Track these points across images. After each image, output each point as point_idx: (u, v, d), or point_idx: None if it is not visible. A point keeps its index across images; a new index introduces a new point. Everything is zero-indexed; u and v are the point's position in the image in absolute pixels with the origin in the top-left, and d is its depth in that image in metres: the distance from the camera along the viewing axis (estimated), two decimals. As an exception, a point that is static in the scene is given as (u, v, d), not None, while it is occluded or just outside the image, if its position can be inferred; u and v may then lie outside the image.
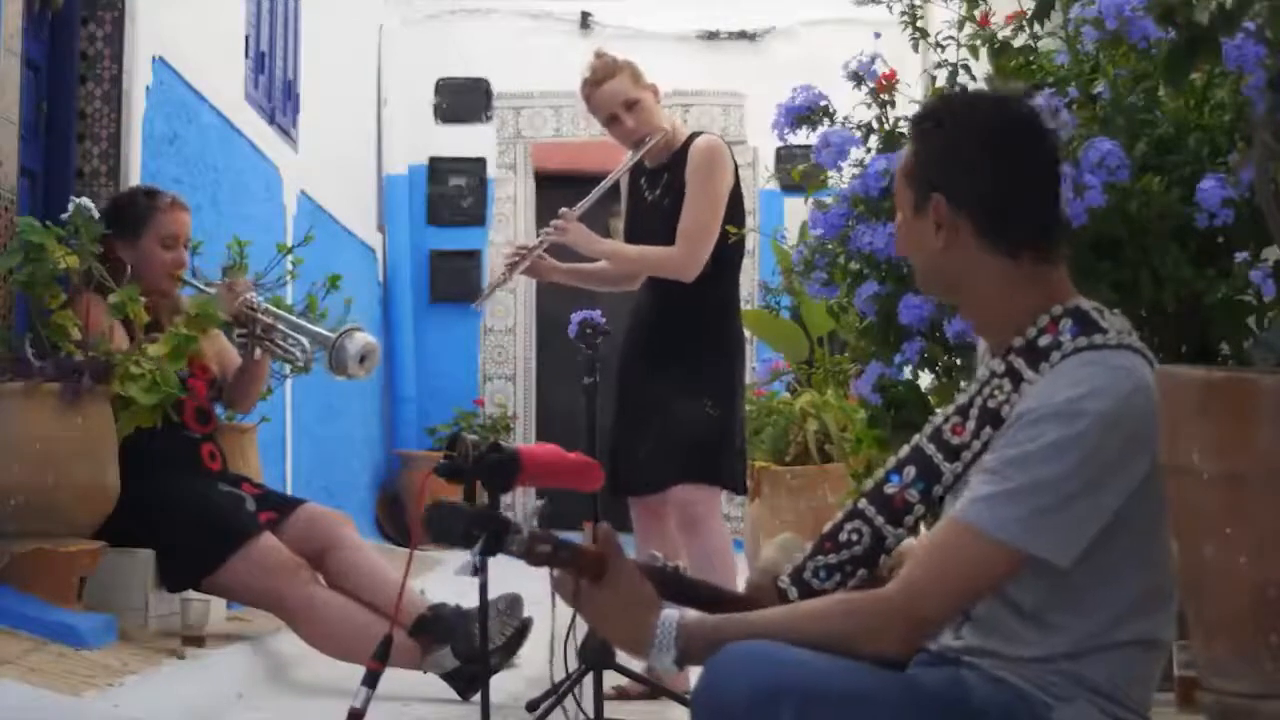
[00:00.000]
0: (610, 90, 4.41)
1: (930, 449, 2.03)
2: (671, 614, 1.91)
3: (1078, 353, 1.91)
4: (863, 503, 2.06)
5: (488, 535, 1.99)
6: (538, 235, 4.61)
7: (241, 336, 4.61)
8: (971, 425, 1.98)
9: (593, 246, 4.48)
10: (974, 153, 1.99)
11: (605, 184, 4.53)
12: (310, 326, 4.72)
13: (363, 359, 4.52)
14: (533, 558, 1.95)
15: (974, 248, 1.98)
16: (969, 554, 1.85)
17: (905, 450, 2.07)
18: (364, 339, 4.54)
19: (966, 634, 1.94)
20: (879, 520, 2.02)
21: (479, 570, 2.08)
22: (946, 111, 2.12)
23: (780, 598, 2.02)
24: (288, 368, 5.46)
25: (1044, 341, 1.94)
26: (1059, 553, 1.84)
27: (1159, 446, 1.85)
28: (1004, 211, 1.98)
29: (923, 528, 2.06)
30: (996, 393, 1.97)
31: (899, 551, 2.04)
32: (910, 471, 2.03)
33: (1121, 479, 1.85)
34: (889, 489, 2.04)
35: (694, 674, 1.90)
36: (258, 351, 4.64)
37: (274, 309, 4.68)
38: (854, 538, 2.03)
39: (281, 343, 4.64)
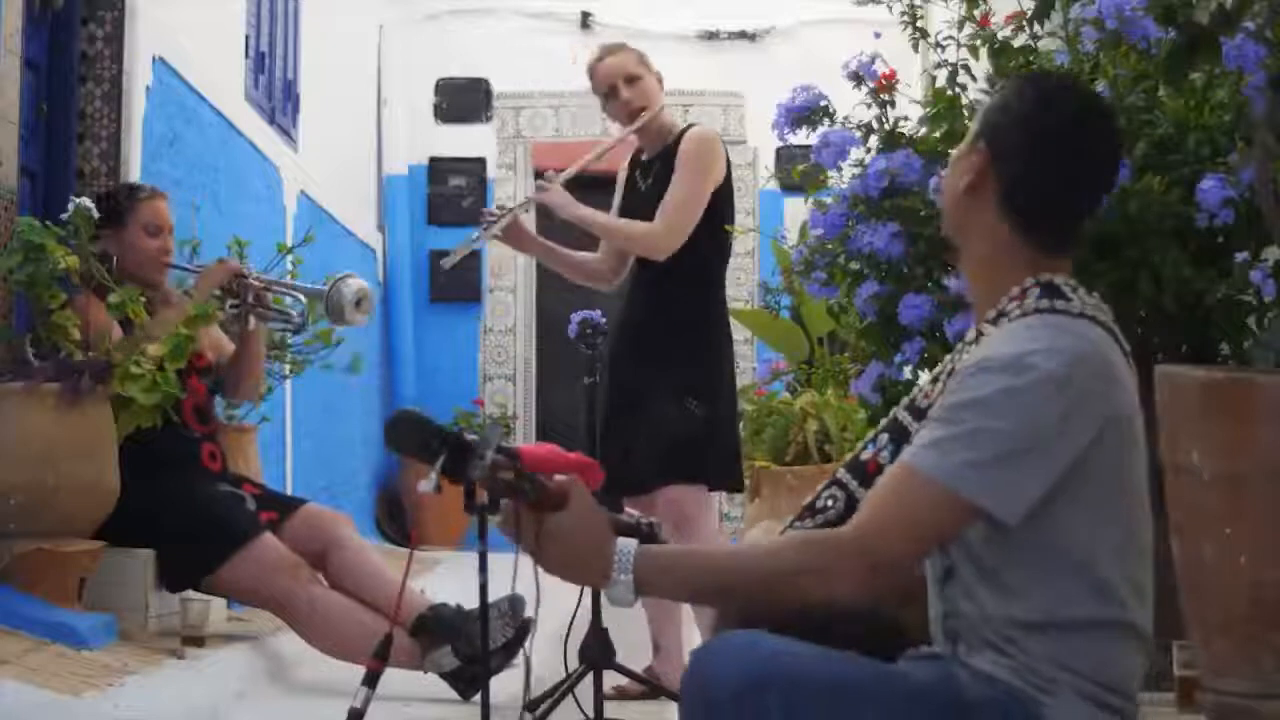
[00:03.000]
0: (613, 63, 4.48)
1: (903, 415, 2.07)
2: (628, 542, 1.90)
3: (1038, 314, 1.93)
4: (841, 471, 2.10)
5: (450, 453, 1.94)
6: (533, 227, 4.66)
7: (234, 307, 4.60)
8: (939, 387, 2.01)
9: (572, 211, 4.49)
10: (1032, 125, 2.01)
11: (594, 154, 4.56)
12: (301, 284, 4.74)
13: (359, 302, 4.57)
14: (494, 484, 1.91)
15: (990, 207, 2.01)
16: (915, 497, 1.85)
17: (883, 422, 2.12)
18: (357, 283, 4.61)
19: (949, 593, 1.95)
20: (853, 484, 2.06)
21: (440, 488, 2.02)
22: (1034, 82, 2.15)
23: None
24: (288, 368, 5.47)
25: (1010, 307, 1.97)
26: (1000, 506, 1.84)
27: (1120, 424, 1.87)
28: (1031, 187, 2.00)
29: None
30: (963, 354, 2.00)
31: None
32: (883, 438, 2.08)
33: (1066, 441, 1.85)
34: (864, 456, 2.08)
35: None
36: (252, 321, 4.63)
37: (263, 275, 4.70)
38: (829, 503, 2.07)
39: (275, 306, 4.66)
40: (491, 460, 1.91)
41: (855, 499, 2.04)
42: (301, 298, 4.72)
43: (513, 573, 2.10)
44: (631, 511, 2.06)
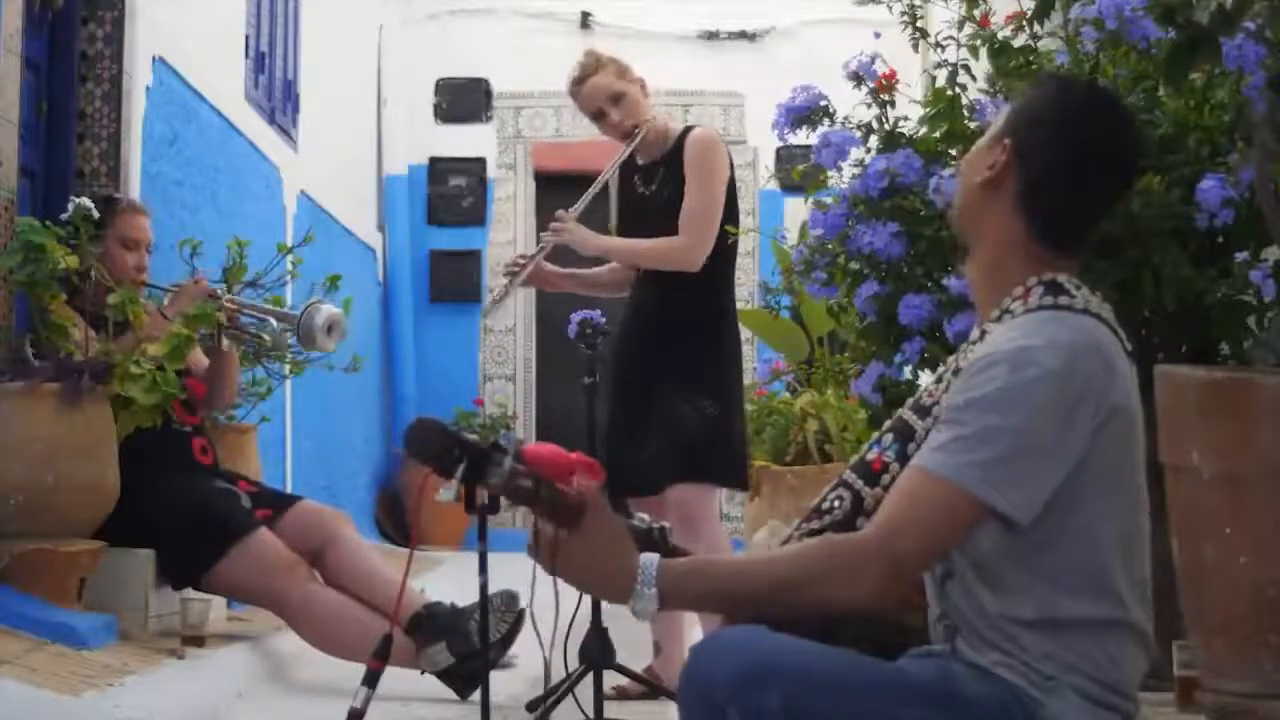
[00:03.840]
0: (594, 85, 4.44)
1: (908, 415, 2.07)
2: (651, 555, 1.90)
3: (1041, 310, 1.94)
4: (847, 472, 2.10)
5: (470, 461, 1.93)
6: (538, 242, 4.62)
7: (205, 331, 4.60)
8: (943, 385, 2.02)
9: (592, 244, 4.48)
10: (1056, 124, 2.03)
11: (600, 181, 4.54)
12: (274, 309, 4.74)
13: (330, 329, 4.57)
14: (512, 492, 1.91)
15: (1007, 200, 2.02)
16: (929, 499, 1.86)
17: (887, 423, 2.12)
18: (329, 310, 4.60)
19: (949, 593, 1.96)
20: (858, 484, 2.05)
21: (460, 499, 2.02)
22: (1059, 82, 2.18)
23: None
24: (287, 368, 5.48)
25: (1014, 305, 1.98)
26: (1011, 505, 1.85)
27: (1120, 419, 1.87)
28: (1050, 186, 2.01)
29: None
30: (968, 352, 2.01)
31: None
32: (888, 438, 2.07)
33: (1071, 436, 1.87)
34: (869, 456, 2.08)
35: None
36: (225, 342, 4.63)
37: (237, 298, 4.70)
38: (835, 504, 2.06)
39: (247, 329, 4.66)
40: (510, 468, 1.91)
41: (861, 498, 2.04)
42: (273, 322, 4.70)
43: (532, 577, 2.09)
44: (643, 516, 2.06)
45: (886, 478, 2.03)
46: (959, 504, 1.85)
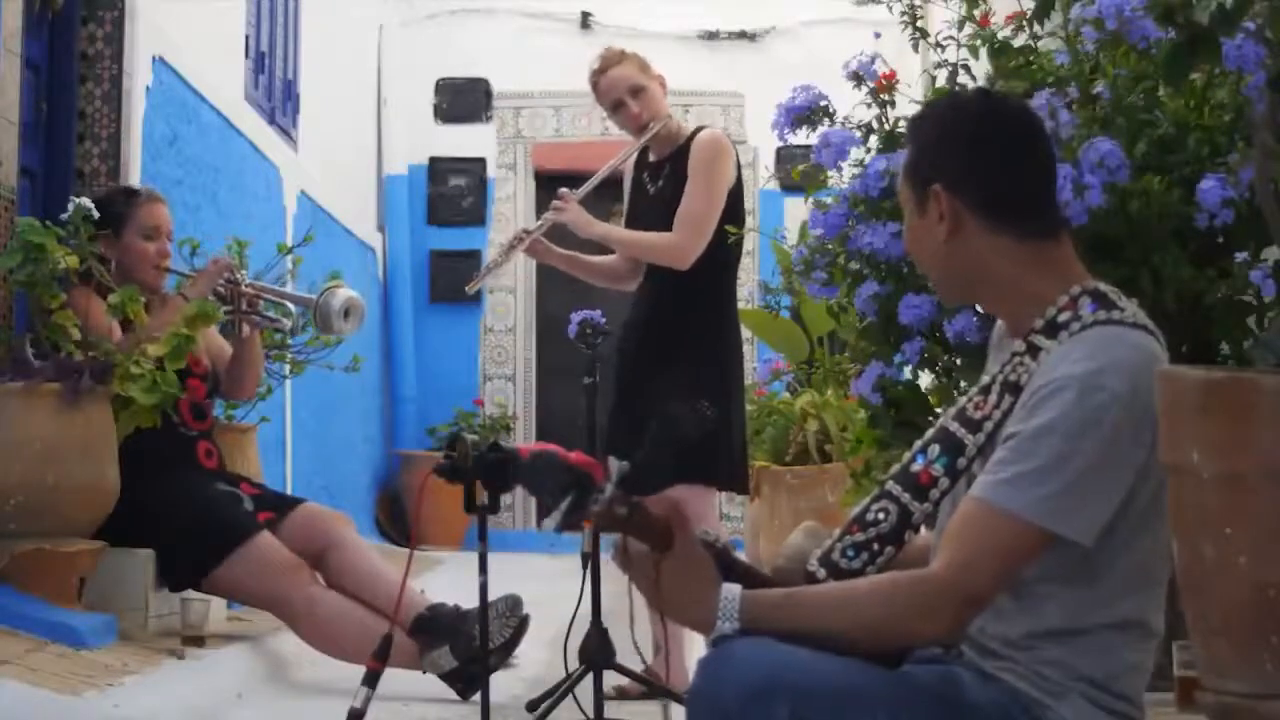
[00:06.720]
0: (617, 76, 4.45)
1: (954, 426, 2.03)
2: (733, 587, 1.90)
3: (1097, 325, 1.93)
4: (889, 484, 2.06)
5: (577, 493, 1.98)
6: (538, 219, 4.65)
7: (228, 313, 4.61)
8: (993, 399, 2.00)
9: (590, 229, 4.49)
10: (962, 136, 2.03)
11: (608, 168, 4.56)
12: (292, 292, 4.75)
13: (346, 313, 4.59)
14: (607, 520, 1.92)
15: (976, 231, 2.01)
16: (1000, 532, 1.87)
17: (930, 432, 2.08)
18: (345, 294, 4.61)
19: None
20: (905, 497, 2.02)
21: (560, 529, 2.05)
22: (933, 106, 2.22)
23: (808, 580, 2.01)
24: (287, 369, 5.48)
25: (1063, 318, 1.97)
26: (1083, 532, 1.87)
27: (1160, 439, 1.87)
28: (999, 187, 2.01)
29: (946, 503, 2.05)
30: (1018, 368, 1.99)
31: (923, 535, 2.05)
32: (935, 449, 2.04)
33: (1136, 455, 1.88)
34: (915, 467, 2.04)
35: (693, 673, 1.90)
36: (245, 328, 4.64)
37: (256, 282, 4.72)
38: (880, 516, 2.03)
39: (267, 313, 4.68)
40: (610, 496, 1.92)
41: (909, 512, 2.01)
42: (291, 306, 4.73)
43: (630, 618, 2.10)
44: (707, 530, 2.05)
45: (935, 492, 2.01)
46: (1029, 536, 1.86)
